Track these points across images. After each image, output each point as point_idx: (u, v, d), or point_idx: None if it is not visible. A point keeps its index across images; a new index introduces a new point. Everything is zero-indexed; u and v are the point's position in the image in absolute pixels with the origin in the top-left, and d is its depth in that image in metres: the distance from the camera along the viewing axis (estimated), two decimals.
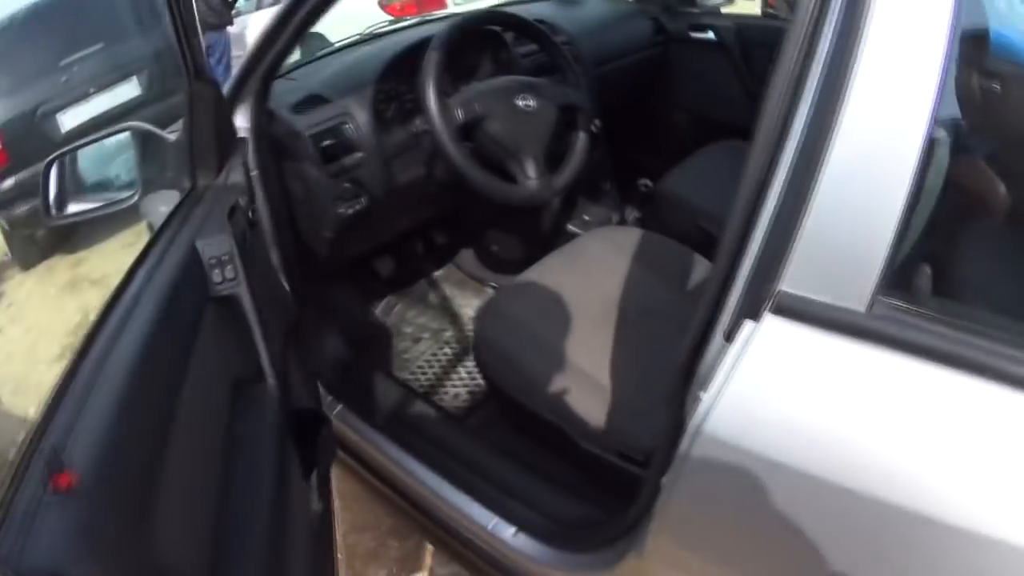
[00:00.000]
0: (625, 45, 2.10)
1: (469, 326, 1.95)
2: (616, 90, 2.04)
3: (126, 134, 1.20)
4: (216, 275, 0.98)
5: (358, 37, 1.85)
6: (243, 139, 1.28)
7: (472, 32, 1.52)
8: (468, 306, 2.01)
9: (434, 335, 1.93)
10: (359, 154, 1.48)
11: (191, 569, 0.70)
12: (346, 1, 1.30)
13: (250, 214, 1.18)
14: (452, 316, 1.99)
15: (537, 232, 1.99)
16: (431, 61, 1.34)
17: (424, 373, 1.81)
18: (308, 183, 1.42)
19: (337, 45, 1.84)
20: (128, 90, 4.14)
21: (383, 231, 1.79)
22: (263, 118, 1.32)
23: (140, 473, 0.67)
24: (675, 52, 2.22)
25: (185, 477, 0.75)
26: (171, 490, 0.69)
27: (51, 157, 1.22)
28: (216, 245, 0.98)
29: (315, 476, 1.13)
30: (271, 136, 1.34)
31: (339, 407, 1.47)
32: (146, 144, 1.21)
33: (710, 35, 2.14)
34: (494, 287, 2.03)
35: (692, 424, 0.74)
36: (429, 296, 2.05)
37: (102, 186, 1.28)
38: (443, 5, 4.93)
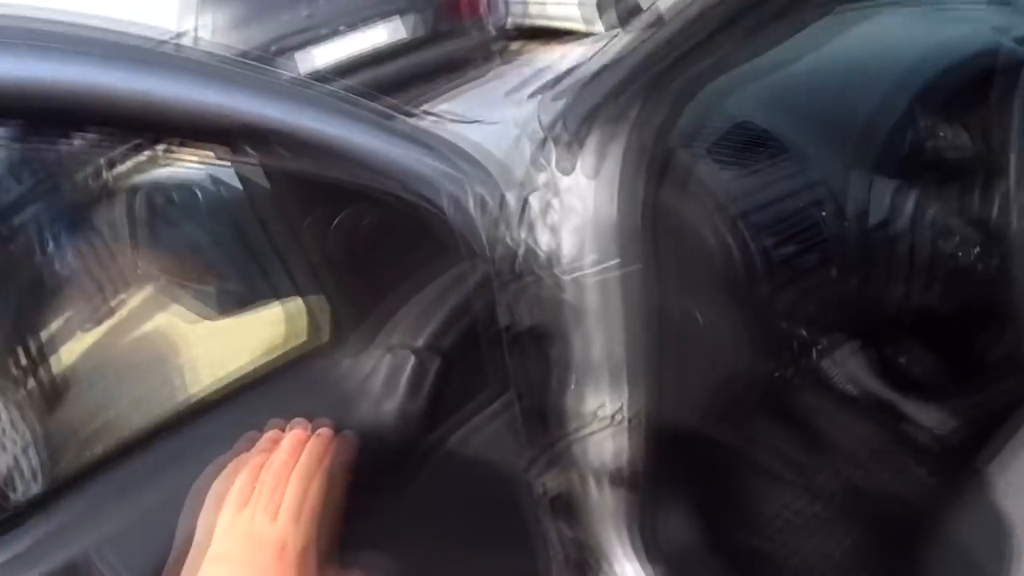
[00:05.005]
0: None
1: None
2: None
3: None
4: None
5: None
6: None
7: None
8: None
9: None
10: (832, 271, 0.79)
11: None
12: None
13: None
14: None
15: None
16: None
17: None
18: (719, 314, 0.75)
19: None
20: (389, 31, 3.71)
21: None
22: (649, 163, 0.66)
23: None
24: None
25: None
26: None
27: None
28: None
29: None
30: (662, 206, 0.68)
31: None
32: None
33: None
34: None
35: None
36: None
37: None
38: None
